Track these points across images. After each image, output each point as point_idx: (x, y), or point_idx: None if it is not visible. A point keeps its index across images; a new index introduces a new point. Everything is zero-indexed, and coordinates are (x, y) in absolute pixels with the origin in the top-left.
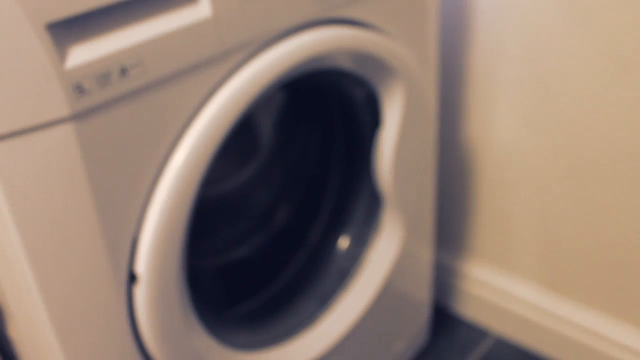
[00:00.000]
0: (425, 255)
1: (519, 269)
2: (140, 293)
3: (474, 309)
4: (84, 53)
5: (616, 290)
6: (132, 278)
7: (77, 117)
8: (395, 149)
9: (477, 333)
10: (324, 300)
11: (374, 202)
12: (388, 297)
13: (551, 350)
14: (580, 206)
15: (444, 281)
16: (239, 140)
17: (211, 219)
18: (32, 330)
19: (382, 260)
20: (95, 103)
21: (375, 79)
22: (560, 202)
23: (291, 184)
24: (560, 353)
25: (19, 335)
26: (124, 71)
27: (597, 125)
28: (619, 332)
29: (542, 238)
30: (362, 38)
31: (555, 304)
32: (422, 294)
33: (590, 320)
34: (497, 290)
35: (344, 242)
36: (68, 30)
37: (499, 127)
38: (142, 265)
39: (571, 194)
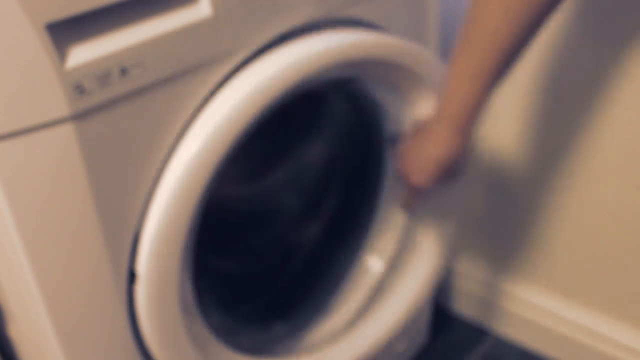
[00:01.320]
0: None
1: (518, 269)
2: (141, 292)
3: (474, 308)
4: (84, 53)
5: (616, 290)
6: (132, 277)
7: (77, 117)
8: None
9: (477, 333)
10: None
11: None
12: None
13: (551, 350)
14: (580, 207)
15: (443, 281)
16: (260, 143)
17: (239, 222)
18: (32, 330)
19: (414, 288)
20: (95, 103)
21: (404, 86)
22: (560, 202)
23: (321, 198)
24: (560, 353)
25: (19, 335)
26: (124, 71)
27: (598, 125)
28: (619, 332)
29: (542, 238)
30: (390, 45)
31: (555, 304)
32: None
33: (590, 320)
34: (497, 289)
35: (374, 263)
36: (68, 30)
37: (500, 125)
38: (143, 264)
39: (571, 193)
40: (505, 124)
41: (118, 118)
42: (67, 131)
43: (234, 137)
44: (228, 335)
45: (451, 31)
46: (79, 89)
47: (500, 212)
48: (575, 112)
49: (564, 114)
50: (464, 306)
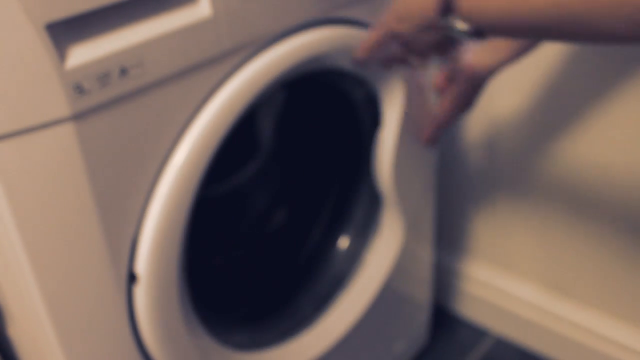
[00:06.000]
0: (426, 255)
1: (519, 269)
2: (140, 293)
3: (474, 309)
4: (84, 53)
5: (616, 290)
6: (132, 278)
7: (77, 117)
8: (395, 149)
9: (477, 333)
10: (324, 301)
11: (374, 203)
12: (388, 297)
13: (551, 350)
14: (580, 206)
15: (444, 281)
16: (239, 139)
17: (212, 218)
18: (32, 330)
19: (382, 261)
20: (95, 103)
21: (374, 78)
22: (560, 202)
23: (291, 184)
24: (560, 353)
25: (19, 335)
26: (124, 71)
27: (598, 125)
28: (619, 332)
29: (542, 238)
30: (361, 37)
31: (555, 304)
32: (422, 294)
33: (590, 320)
34: (497, 290)
35: (343, 243)
36: (68, 30)
37: (500, 124)
38: (142, 265)
39: (571, 193)
40: (505, 121)
41: (118, 118)
42: (67, 131)
43: (223, 133)
44: (225, 334)
45: None
46: (79, 89)
47: (501, 212)
48: (576, 111)
49: (564, 112)
50: (464, 306)
